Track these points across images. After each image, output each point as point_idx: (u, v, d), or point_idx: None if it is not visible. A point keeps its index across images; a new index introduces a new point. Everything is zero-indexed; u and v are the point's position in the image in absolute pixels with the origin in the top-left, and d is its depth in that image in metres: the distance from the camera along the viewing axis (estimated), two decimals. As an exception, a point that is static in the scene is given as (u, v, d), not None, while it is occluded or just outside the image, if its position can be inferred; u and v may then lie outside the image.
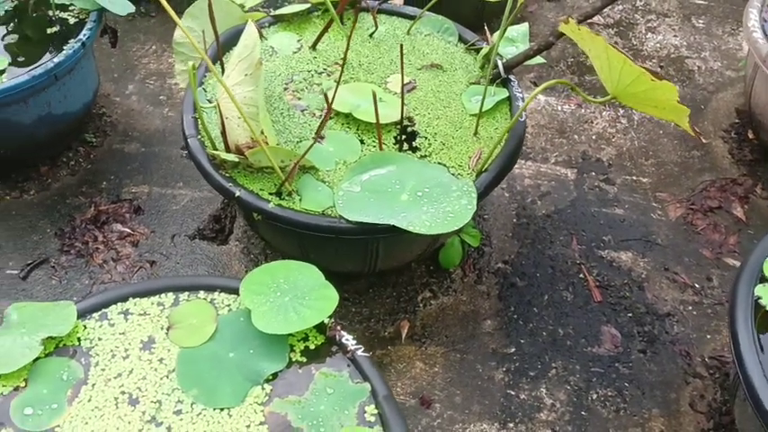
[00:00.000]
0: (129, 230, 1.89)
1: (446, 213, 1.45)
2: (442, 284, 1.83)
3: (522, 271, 1.88)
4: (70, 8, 1.89)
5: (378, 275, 1.81)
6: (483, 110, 1.65)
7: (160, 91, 2.28)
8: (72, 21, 1.88)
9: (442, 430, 1.58)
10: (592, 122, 2.29)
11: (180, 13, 2.47)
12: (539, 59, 1.73)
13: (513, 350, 1.72)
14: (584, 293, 1.84)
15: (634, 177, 2.14)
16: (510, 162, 1.59)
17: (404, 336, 1.73)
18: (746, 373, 1.27)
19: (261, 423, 1.17)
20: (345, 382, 1.24)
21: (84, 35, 1.81)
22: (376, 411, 1.19)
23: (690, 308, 1.83)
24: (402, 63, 1.54)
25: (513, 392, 1.65)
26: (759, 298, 1.37)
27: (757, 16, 2.01)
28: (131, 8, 1.87)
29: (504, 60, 1.72)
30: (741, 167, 2.16)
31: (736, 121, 2.31)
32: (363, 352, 1.27)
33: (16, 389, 1.20)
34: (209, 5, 1.65)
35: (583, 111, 2.33)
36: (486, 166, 1.55)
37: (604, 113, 2.33)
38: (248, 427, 1.17)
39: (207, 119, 1.62)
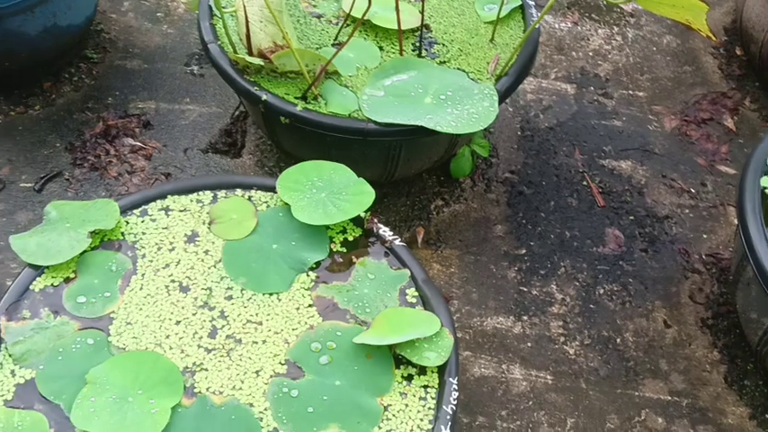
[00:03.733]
0: (140, 144, 1.89)
1: (470, 114, 1.50)
2: (453, 193, 1.89)
3: (529, 180, 1.95)
4: None
5: (391, 186, 1.86)
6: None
7: (156, 8, 2.24)
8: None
9: (461, 323, 1.66)
10: (588, 40, 2.34)
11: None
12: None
13: (523, 251, 1.80)
14: (587, 199, 1.92)
15: (630, 91, 2.21)
16: (527, 66, 1.63)
17: (420, 241, 1.79)
18: (757, 257, 1.36)
19: (309, 305, 1.23)
20: (385, 269, 1.29)
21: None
22: (417, 293, 1.26)
23: (687, 211, 1.93)
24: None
25: (525, 289, 1.73)
26: (765, 188, 1.46)
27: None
28: None
29: (516, -31, 1.75)
30: (730, 82, 2.25)
31: (725, 38, 2.38)
32: (401, 242, 1.33)
33: (66, 280, 1.22)
34: None
35: (579, 28, 2.37)
36: (505, 71, 1.59)
37: (600, 31, 2.38)
38: (298, 309, 1.22)
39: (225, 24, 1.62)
